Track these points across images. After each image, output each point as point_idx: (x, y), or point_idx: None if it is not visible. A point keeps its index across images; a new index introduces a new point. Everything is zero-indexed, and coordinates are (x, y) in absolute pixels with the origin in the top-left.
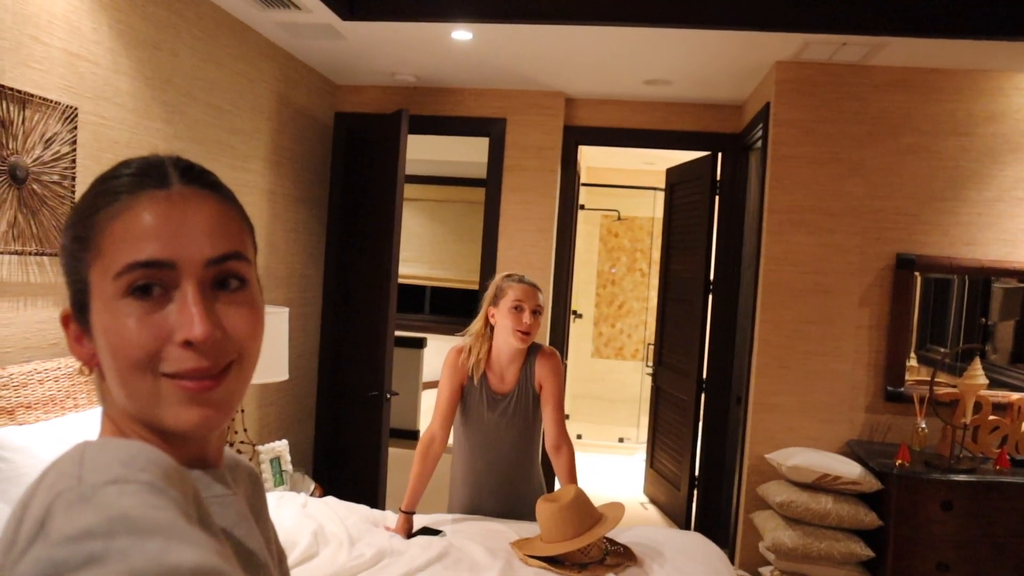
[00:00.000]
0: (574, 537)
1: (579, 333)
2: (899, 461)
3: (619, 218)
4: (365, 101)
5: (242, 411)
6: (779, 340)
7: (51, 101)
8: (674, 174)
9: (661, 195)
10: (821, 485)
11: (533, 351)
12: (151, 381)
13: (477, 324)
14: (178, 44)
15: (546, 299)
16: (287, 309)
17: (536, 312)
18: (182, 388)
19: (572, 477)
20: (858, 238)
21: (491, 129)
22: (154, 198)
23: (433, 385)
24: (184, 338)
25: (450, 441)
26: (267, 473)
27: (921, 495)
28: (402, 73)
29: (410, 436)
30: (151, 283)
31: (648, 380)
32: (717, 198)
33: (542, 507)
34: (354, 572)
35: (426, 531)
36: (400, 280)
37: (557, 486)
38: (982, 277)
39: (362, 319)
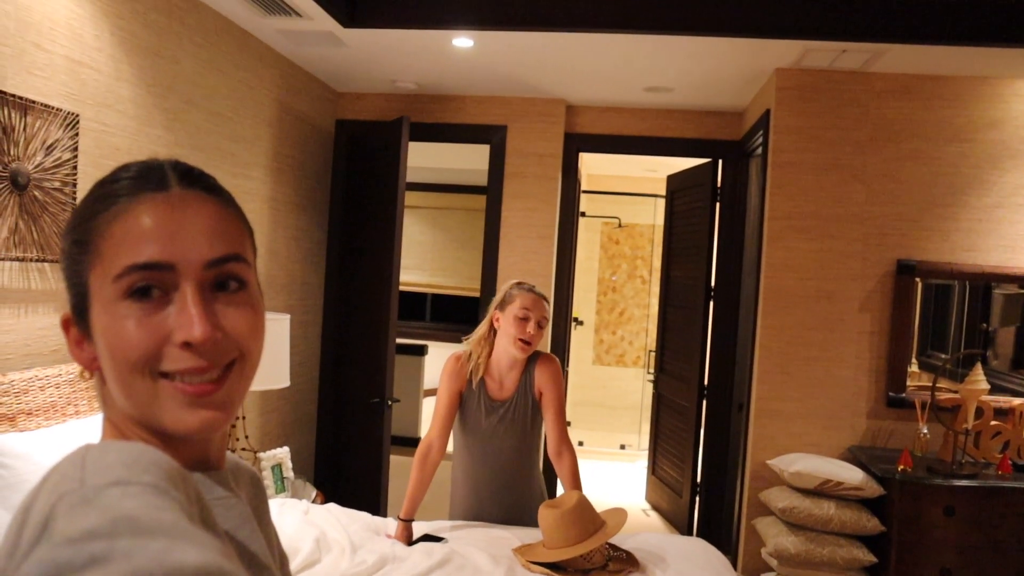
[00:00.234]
0: (577, 543)
1: (580, 340)
2: (901, 467)
3: (620, 225)
4: (366, 108)
5: (243, 418)
6: (780, 346)
7: (53, 108)
8: (675, 181)
9: (662, 202)
10: (823, 491)
11: (533, 358)
12: (150, 382)
13: (482, 328)
14: (179, 51)
15: (549, 308)
16: (288, 316)
17: (541, 324)
18: (182, 391)
19: (575, 483)
20: (859, 244)
21: (492, 136)
22: (153, 201)
23: (434, 392)
24: (183, 339)
25: (450, 448)
26: (269, 480)
27: (923, 500)
28: (403, 80)
29: (411, 443)
30: (150, 285)
31: (649, 387)
32: (718, 205)
33: (544, 513)
34: None
35: (428, 538)
36: (401, 287)
37: (559, 492)
38: (983, 283)
39: (363, 326)
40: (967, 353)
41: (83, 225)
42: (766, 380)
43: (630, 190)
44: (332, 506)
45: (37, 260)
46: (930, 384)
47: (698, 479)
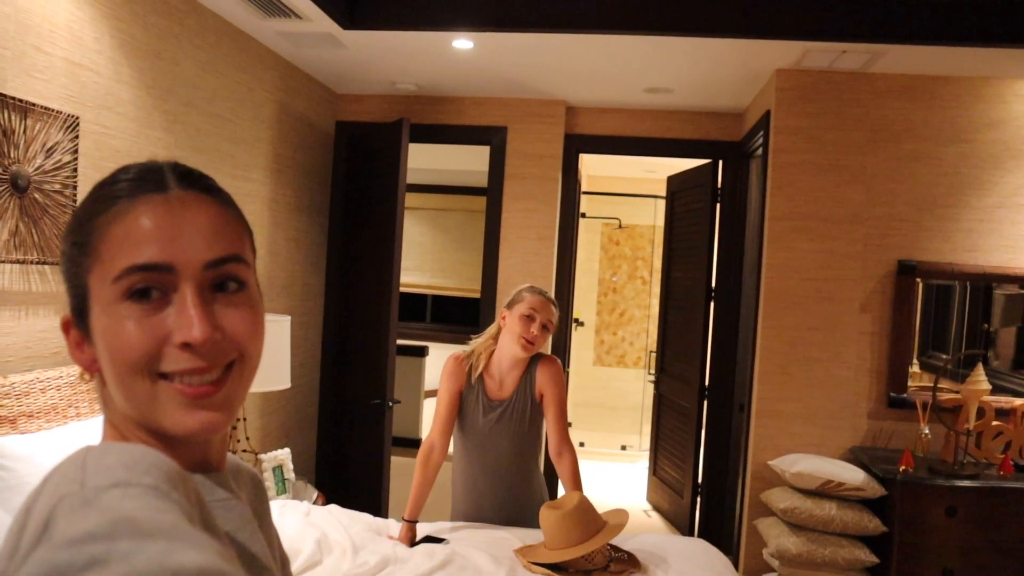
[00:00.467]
0: (578, 544)
1: (581, 341)
2: (903, 467)
3: (620, 226)
4: (366, 110)
5: (244, 419)
6: (781, 347)
7: (53, 110)
8: (675, 182)
9: (662, 203)
10: (825, 491)
11: (535, 360)
12: (149, 384)
13: (493, 327)
14: (179, 53)
15: (556, 314)
16: (289, 318)
17: (546, 326)
18: (181, 393)
19: (576, 483)
20: (859, 245)
21: (492, 137)
22: (152, 202)
23: (435, 393)
24: (182, 340)
25: (451, 449)
26: (269, 481)
27: (925, 501)
28: (403, 82)
29: (412, 444)
30: (149, 286)
31: (650, 388)
32: (718, 205)
33: (546, 514)
34: None
35: (429, 539)
36: (401, 289)
37: (560, 492)
38: (984, 283)
39: (364, 327)
40: (968, 353)
41: (82, 227)
42: (767, 381)
43: (630, 191)
44: (333, 507)
45: (38, 263)
46: (931, 384)
47: (699, 480)
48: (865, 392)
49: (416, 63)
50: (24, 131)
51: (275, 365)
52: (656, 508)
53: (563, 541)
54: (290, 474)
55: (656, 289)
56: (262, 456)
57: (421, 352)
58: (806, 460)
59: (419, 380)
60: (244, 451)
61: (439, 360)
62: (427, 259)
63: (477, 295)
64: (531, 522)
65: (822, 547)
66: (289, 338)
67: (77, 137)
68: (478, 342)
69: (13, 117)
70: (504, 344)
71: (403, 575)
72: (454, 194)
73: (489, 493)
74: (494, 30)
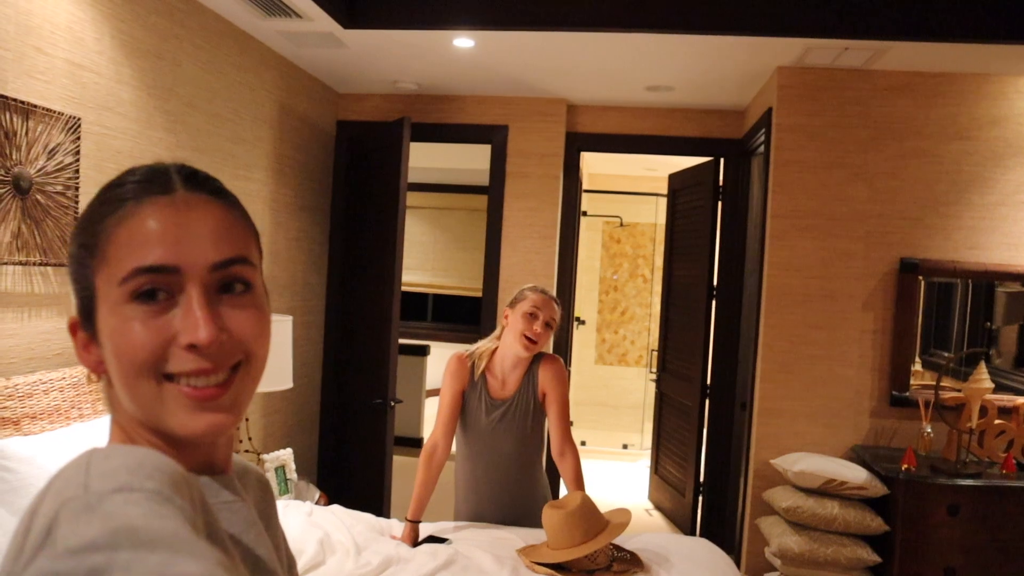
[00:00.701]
0: (581, 543)
1: (582, 339)
2: (905, 466)
3: (621, 224)
4: (367, 109)
5: (246, 420)
6: (783, 345)
7: (54, 112)
8: (676, 180)
9: (663, 201)
10: (827, 490)
11: (537, 359)
12: (155, 385)
13: (497, 330)
14: (180, 54)
15: (559, 313)
16: (291, 317)
17: (549, 324)
18: (187, 395)
19: (579, 483)
20: (862, 243)
21: (493, 136)
22: (159, 204)
23: (436, 393)
24: (188, 341)
25: (454, 448)
26: (272, 482)
27: (927, 500)
28: (404, 81)
29: (414, 444)
30: (156, 288)
31: (651, 386)
32: (720, 203)
33: (548, 514)
34: None
35: (432, 539)
36: (403, 288)
37: (562, 492)
38: (986, 281)
39: (366, 327)
40: (970, 352)
41: (90, 228)
42: (769, 379)
43: (631, 189)
44: (336, 507)
45: (40, 264)
46: (933, 383)
47: (701, 478)
48: (867, 390)
49: (417, 62)
50: (26, 133)
51: (277, 365)
52: (658, 507)
53: (566, 541)
54: (292, 474)
55: (657, 287)
56: (264, 456)
57: (423, 351)
58: (808, 459)
59: (420, 379)
60: (247, 451)
61: (440, 359)
62: (428, 258)
63: (478, 294)
64: (534, 522)
65: (824, 546)
66: (291, 338)
67: (79, 138)
68: (482, 342)
69: (15, 119)
70: (507, 342)
71: (406, 575)
72: (455, 193)
73: (492, 493)
74: (495, 29)
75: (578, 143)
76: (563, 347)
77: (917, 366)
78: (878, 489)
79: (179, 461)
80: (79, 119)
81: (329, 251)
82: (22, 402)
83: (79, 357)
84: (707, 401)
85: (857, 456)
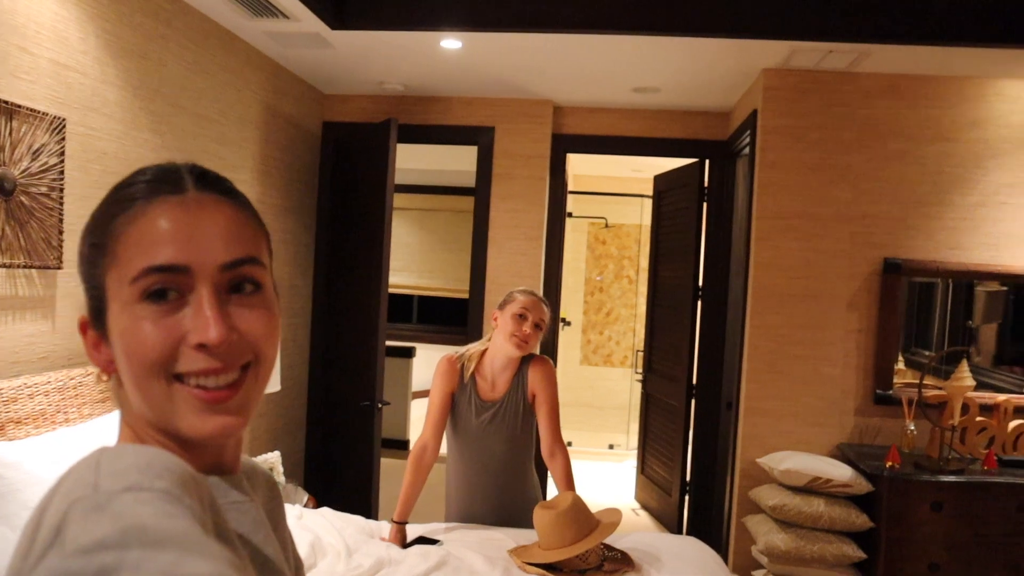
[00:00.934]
0: (572, 543)
1: (567, 340)
2: (889, 463)
3: (606, 225)
4: (353, 110)
5: None
6: (769, 345)
7: (39, 112)
8: (662, 181)
9: (648, 202)
10: (813, 488)
11: (527, 360)
12: (165, 385)
13: (487, 335)
14: (165, 54)
15: (548, 314)
16: None
17: (539, 325)
18: (198, 396)
19: (569, 483)
20: (846, 243)
21: (480, 138)
22: (169, 204)
23: (422, 394)
24: (198, 341)
25: (444, 450)
26: None
27: (911, 497)
28: (390, 82)
29: (400, 446)
30: (167, 287)
31: (637, 386)
32: (705, 204)
33: (540, 514)
34: None
35: (423, 540)
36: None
37: (551, 493)
38: (967, 280)
39: (352, 329)
40: (952, 350)
41: (100, 228)
42: (755, 379)
43: (616, 190)
44: (325, 510)
45: (24, 267)
46: (915, 381)
47: (687, 478)
48: (852, 389)
49: (404, 63)
50: (10, 133)
51: None
52: (644, 507)
53: (557, 541)
54: (280, 477)
55: (642, 288)
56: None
57: (408, 353)
58: (794, 457)
59: (406, 381)
60: None
61: (426, 361)
62: (414, 259)
63: (464, 295)
64: (525, 522)
65: (811, 543)
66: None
67: (63, 139)
68: (472, 345)
69: None
70: (496, 344)
71: None
72: (440, 194)
73: (482, 494)
74: (483, 30)
75: (564, 144)
76: (549, 348)
77: (900, 365)
78: (863, 486)
79: (188, 461)
80: (64, 119)
81: (315, 253)
82: (6, 407)
83: (89, 356)
84: (693, 401)
85: (842, 454)
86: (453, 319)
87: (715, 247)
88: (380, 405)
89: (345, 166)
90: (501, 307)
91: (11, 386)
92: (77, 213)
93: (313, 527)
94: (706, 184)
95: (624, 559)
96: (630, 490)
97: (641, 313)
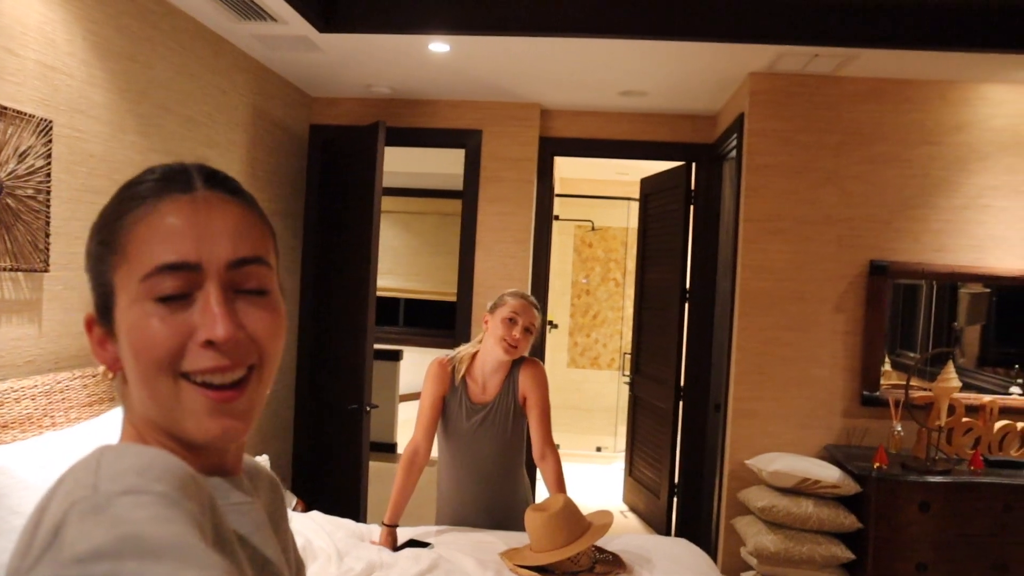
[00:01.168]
0: (564, 546)
1: (555, 343)
2: (877, 464)
3: (593, 228)
4: (340, 113)
5: None
6: (756, 347)
7: (25, 114)
8: (648, 184)
9: (635, 205)
10: (801, 489)
11: (518, 363)
12: (172, 383)
13: (479, 333)
14: (153, 56)
15: (539, 318)
16: None
17: (529, 329)
18: (204, 396)
19: (560, 486)
20: (832, 246)
21: (467, 141)
22: (178, 202)
23: (409, 397)
24: (206, 338)
25: (435, 453)
26: None
27: (899, 497)
28: (378, 85)
29: (387, 449)
30: (178, 293)
31: (624, 389)
32: (692, 207)
33: (531, 516)
34: None
35: (414, 543)
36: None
37: (540, 496)
38: (952, 282)
39: (340, 332)
40: (937, 352)
41: (109, 225)
42: (743, 381)
43: (603, 193)
44: (315, 513)
45: (11, 270)
46: (901, 383)
47: (675, 480)
48: (839, 391)
49: (392, 66)
50: None
51: None
52: (632, 509)
53: (549, 543)
54: None
55: (629, 291)
56: None
57: (395, 356)
58: (783, 459)
59: (394, 384)
60: None
61: (413, 364)
62: (400, 262)
63: (451, 298)
64: (516, 525)
65: (799, 544)
66: None
67: (50, 141)
68: (463, 347)
69: None
70: (487, 347)
71: None
72: (426, 197)
73: (473, 496)
74: (471, 33)
75: (551, 148)
76: (537, 351)
77: (886, 366)
78: (851, 487)
79: (190, 462)
80: (51, 122)
81: (303, 256)
82: None
83: (95, 353)
84: (681, 403)
85: (830, 455)
86: (440, 322)
87: (702, 250)
88: (368, 408)
89: (333, 169)
90: (492, 310)
91: None
92: (64, 216)
93: (303, 530)
94: (693, 187)
95: (615, 561)
96: (618, 492)
97: (628, 316)
